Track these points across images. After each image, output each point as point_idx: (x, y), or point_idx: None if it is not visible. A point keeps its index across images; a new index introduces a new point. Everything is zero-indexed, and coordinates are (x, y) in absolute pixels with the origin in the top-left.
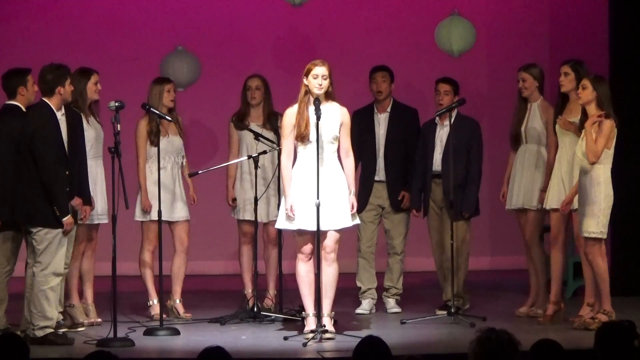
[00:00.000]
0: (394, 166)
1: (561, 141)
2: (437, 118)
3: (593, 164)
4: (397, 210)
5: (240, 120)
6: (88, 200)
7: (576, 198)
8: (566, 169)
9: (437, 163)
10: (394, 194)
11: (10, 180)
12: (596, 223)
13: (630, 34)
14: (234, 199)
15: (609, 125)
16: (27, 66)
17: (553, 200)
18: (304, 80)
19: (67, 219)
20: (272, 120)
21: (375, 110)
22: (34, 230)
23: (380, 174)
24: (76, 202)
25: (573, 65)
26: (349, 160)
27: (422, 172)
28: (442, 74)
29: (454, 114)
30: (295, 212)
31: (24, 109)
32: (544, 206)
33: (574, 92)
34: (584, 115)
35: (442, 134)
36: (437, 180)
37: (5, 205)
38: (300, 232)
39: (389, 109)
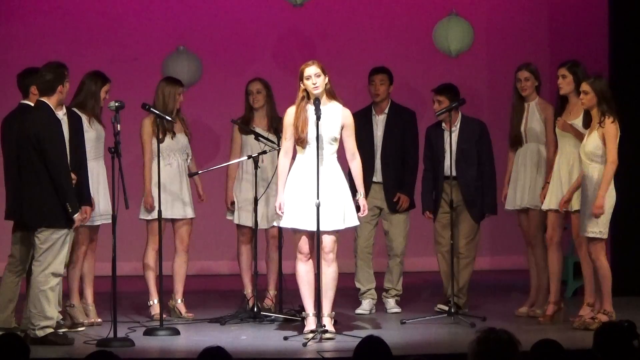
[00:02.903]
0: (390, 168)
1: (560, 142)
2: (443, 123)
3: (614, 167)
4: (394, 212)
5: (246, 125)
6: (88, 201)
7: (576, 199)
8: (565, 171)
9: (447, 168)
10: (390, 195)
11: (20, 181)
12: (596, 223)
13: (630, 34)
14: (233, 202)
15: (612, 127)
16: (27, 66)
17: (551, 201)
18: (300, 83)
19: (78, 215)
20: (274, 124)
21: (373, 112)
22: (40, 229)
23: (377, 175)
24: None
25: (570, 67)
26: (356, 163)
27: (430, 174)
28: (441, 74)
29: (458, 117)
30: (291, 211)
31: (33, 109)
32: (542, 207)
33: (572, 94)
34: (587, 117)
35: (450, 139)
36: (453, 182)
37: (17, 206)
38: (297, 232)
39: (386, 111)
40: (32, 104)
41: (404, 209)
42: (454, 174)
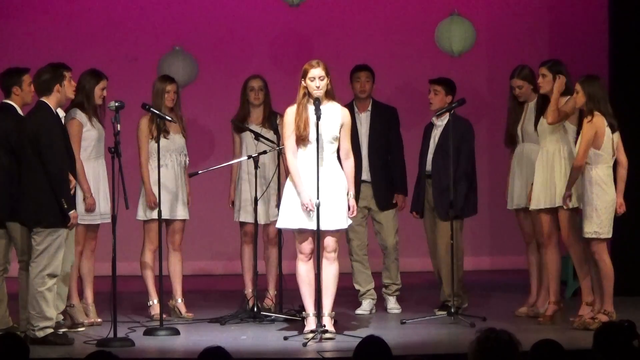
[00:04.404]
0: (378, 166)
1: (541, 141)
2: (434, 119)
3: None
4: (383, 209)
5: (241, 122)
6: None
7: (558, 197)
8: (547, 170)
9: (428, 163)
10: (380, 193)
11: (4, 180)
12: (590, 223)
13: (630, 34)
14: (233, 202)
15: (587, 126)
16: (27, 66)
17: (539, 201)
18: (302, 82)
19: (74, 213)
20: (272, 120)
21: (356, 110)
22: (37, 230)
23: (365, 174)
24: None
25: (550, 66)
26: (349, 162)
27: (421, 174)
28: (441, 74)
29: (449, 114)
30: (292, 212)
31: (18, 109)
32: (530, 207)
33: (551, 92)
34: (582, 116)
35: (435, 134)
36: (429, 180)
37: (2, 205)
38: (301, 232)
39: (369, 108)
40: (13, 104)
41: (402, 208)
42: (431, 169)
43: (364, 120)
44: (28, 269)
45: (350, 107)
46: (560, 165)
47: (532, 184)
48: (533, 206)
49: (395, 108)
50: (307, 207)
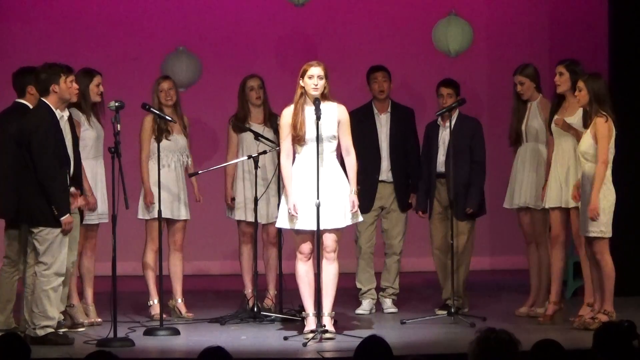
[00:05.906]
0: (399, 166)
1: (557, 140)
2: (439, 119)
3: (604, 166)
4: (401, 210)
5: (242, 122)
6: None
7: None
8: (563, 168)
9: (440, 164)
10: (400, 193)
11: (14, 180)
12: (597, 222)
13: (630, 34)
14: (233, 199)
15: (604, 126)
16: (27, 66)
17: (551, 199)
18: (300, 81)
19: (66, 218)
20: (272, 120)
21: (376, 111)
22: (36, 230)
23: (385, 175)
24: (82, 202)
25: (568, 65)
26: (350, 159)
27: (427, 173)
28: (440, 74)
29: (455, 114)
30: (298, 212)
31: (32, 108)
32: (543, 205)
33: (569, 92)
34: (586, 115)
35: (444, 135)
36: (441, 180)
37: (10, 205)
38: (299, 232)
39: (389, 109)
40: (28, 103)
41: (414, 208)
42: (443, 170)
43: (384, 121)
44: (34, 269)
45: (368, 108)
46: (575, 164)
47: (545, 181)
48: (547, 204)
49: (412, 109)
50: (290, 212)
